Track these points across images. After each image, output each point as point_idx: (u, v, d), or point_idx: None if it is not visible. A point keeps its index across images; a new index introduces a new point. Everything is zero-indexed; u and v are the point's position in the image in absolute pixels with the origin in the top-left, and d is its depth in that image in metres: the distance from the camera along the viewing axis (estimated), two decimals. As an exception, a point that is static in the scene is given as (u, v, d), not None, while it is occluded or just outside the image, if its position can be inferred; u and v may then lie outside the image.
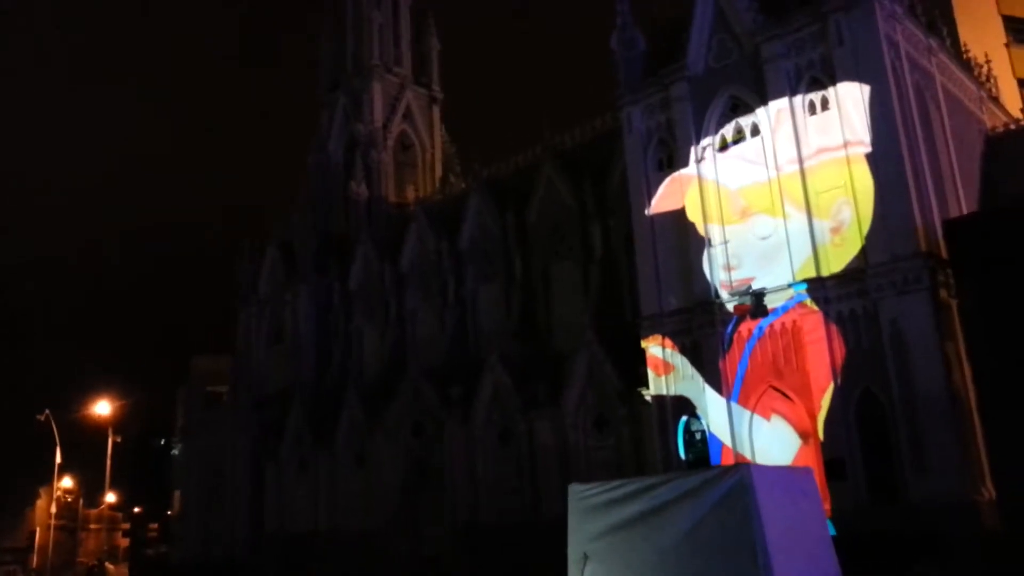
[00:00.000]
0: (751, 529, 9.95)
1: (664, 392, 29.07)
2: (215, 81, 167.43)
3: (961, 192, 29.16)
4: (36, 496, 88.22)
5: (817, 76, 27.42)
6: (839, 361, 25.30)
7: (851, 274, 25.52)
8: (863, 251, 25.49)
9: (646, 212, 30.71)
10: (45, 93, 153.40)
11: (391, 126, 54.04)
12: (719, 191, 28.91)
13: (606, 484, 11.79)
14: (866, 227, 25.47)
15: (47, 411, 55.75)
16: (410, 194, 52.75)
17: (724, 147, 29.31)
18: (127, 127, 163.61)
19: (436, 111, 56.78)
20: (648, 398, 29.83)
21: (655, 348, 29.51)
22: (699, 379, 28.15)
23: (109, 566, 71.15)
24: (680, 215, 29.65)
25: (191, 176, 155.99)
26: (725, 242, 28.36)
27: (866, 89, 26.10)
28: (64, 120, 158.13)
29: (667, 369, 29.08)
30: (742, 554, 9.92)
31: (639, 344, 29.96)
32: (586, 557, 11.22)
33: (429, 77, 57.20)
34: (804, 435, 25.98)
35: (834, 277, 25.80)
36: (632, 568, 10.85)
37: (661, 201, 30.43)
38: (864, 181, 25.69)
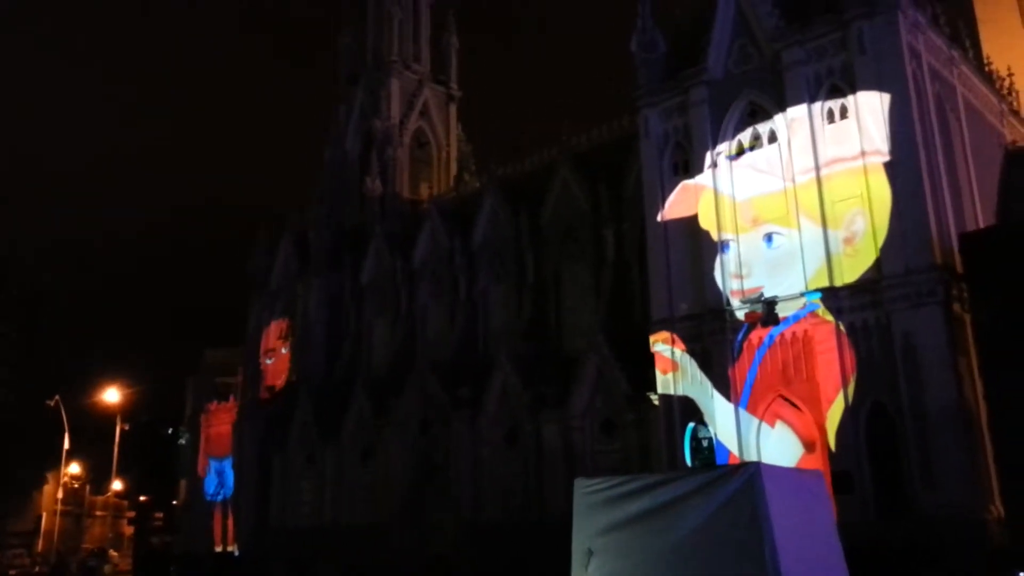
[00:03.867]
0: (759, 528, 9.76)
1: (671, 391, 28.92)
2: (235, 71, 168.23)
3: (979, 205, 28.91)
4: (43, 480, 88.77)
5: (837, 84, 27.24)
6: (849, 372, 25.11)
7: (865, 285, 25.32)
8: (877, 262, 25.29)
9: (659, 217, 30.59)
10: (56, 79, 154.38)
11: (408, 123, 54.08)
12: (733, 199, 28.76)
13: (613, 479, 11.59)
14: (881, 238, 25.28)
15: (57, 396, 56.14)
16: (424, 191, 52.80)
17: (740, 153, 29.17)
18: (139, 116, 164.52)
19: (453, 109, 56.79)
20: (656, 402, 29.71)
21: (663, 346, 29.35)
22: (708, 385, 28.00)
23: (112, 553, 71.55)
24: (693, 222, 29.52)
25: (207, 167, 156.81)
26: (738, 250, 28.21)
27: (886, 98, 25.90)
28: (78, 107, 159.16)
29: (674, 367, 28.93)
30: (750, 553, 9.74)
31: (649, 349, 29.84)
32: (590, 552, 11.03)
33: (447, 75, 57.21)
34: (810, 444, 25.81)
35: (847, 287, 25.62)
36: (637, 564, 10.66)
37: (674, 207, 30.31)
38: (880, 192, 25.49)
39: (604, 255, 37.32)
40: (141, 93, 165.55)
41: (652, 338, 29.71)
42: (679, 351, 28.93)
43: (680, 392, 28.73)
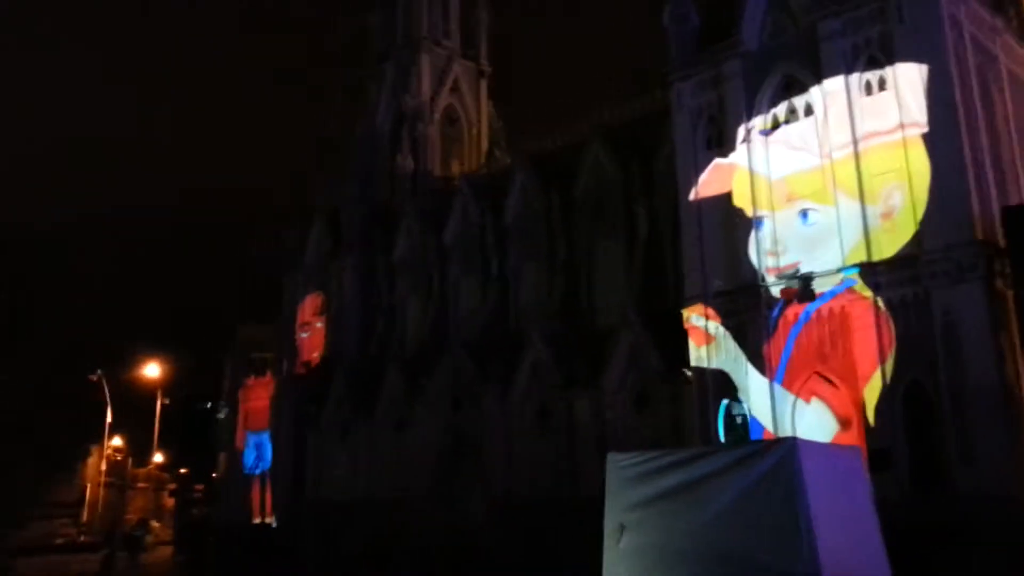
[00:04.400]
0: (795, 504, 9.57)
1: (704, 364, 28.76)
2: (270, 46, 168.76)
3: (1022, 179, 28.19)
4: (87, 453, 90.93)
5: (875, 55, 26.64)
6: (887, 349, 24.77)
7: (904, 260, 24.89)
8: (917, 237, 24.83)
9: (692, 195, 30.28)
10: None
11: (438, 99, 53.92)
12: (767, 177, 28.36)
13: (646, 454, 11.45)
14: (920, 212, 24.79)
15: (99, 371, 57.43)
16: (455, 168, 52.72)
17: (776, 127, 28.71)
18: (176, 90, 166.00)
19: (483, 85, 56.49)
20: (690, 376, 29.55)
21: (698, 318, 29.16)
22: (742, 361, 27.82)
23: (154, 523, 73.29)
24: (726, 199, 29.18)
25: (243, 145, 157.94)
26: (773, 227, 27.85)
27: (925, 69, 25.28)
28: (116, 86, 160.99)
29: (709, 340, 28.76)
30: (785, 531, 9.57)
31: (681, 326, 29.68)
32: (623, 527, 10.90)
33: (477, 51, 56.86)
34: (846, 422, 25.57)
35: (885, 263, 25.21)
36: (670, 540, 10.53)
37: (707, 185, 29.96)
38: (920, 165, 24.97)
39: (636, 231, 37.07)
40: (181, 70, 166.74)
41: (686, 311, 29.53)
42: (714, 323, 28.71)
43: (714, 366, 28.56)
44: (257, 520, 50.80)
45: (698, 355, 29.10)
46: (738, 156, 29.11)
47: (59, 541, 61.87)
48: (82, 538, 67.16)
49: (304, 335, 53.14)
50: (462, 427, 39.53)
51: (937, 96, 25.03)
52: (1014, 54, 30.20)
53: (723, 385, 28.28)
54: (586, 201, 39.99)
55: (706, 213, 29.81)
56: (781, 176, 28.08)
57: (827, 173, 26.90)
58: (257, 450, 53.45)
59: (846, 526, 10.33)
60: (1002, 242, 24.58)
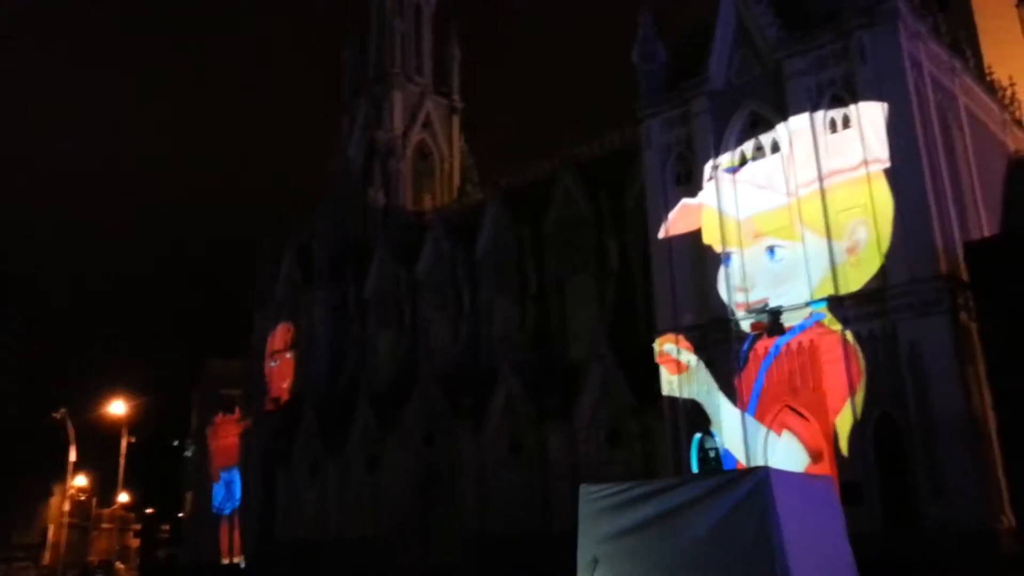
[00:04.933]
0: (768, 534, 9.55)
1: (676, 393, 28.82)
2: (238, 78, 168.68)
3: (983, 215, 28.84)
4: (50, 493, 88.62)
5: (839, 94, 27.23)
6: (856, 382, 25.01)
7: (870, 294, 25.24)
8: (882, 271, 25.22)
9: (662, 232, 30.58)
10: (57, 79, 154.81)
11: (410, 134, 54.20)
12: (735, 215, 28.70)
13: (618, 485, 11.37)
14: (885, 246, 25.20)
15: (63, 409, 56.16)
16: (427, 202, 52.88)
17: (743, 163, 29.15)
18: (136, 120, 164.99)
19: (455, 120, 56.94)
20: (664, 407, 29.49)
21: (670, 347, 29.28)
22: (715, 392, 27.93)
23: (119, 565, 71.42)
24: (696, 235, 29.51)
25: (211, 178, 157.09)
26: (741, 264, 28.15)
27: (888, 108, 25.88)
28: (77, 110, 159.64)
29: (681, 368, 28.86)
30: (759, 559, 9.53)
31: (653, 360, 29.77)
32: (596, 560, 10.80)
33: (449, 86, 57.38)
34: (817, 454, 25.70)
35: (852, 296, 25.54)
36: (643, 572, 10.44)
37: (677, 223, 30.30)
38: (884, 201, 25.44)
39: (607, 265, 37.32)
40: (145, 103, 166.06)
41: (659, 340, 29.61)
42: (686, 352, 28.79)
43: (687, 395, 28.62)
44: (226, 561, 49.78)
45: (671, 384, 29.18)
46: (706, 195, 29.47)
47: (19, 585, 60.00)
48: (43, 581, 65.16)
49: (273, 364, 52.56)
50: (435, 462, 39.15)
51: (899, 133, 25.60)
52: (972, 93, 31.06)
53: (695, 419, 28.33)
54: (557, 235, 40.22)
55: (676, 249, 30.09)
56: (748, 215, 28.48)
57: (793, 210, 27.32)
58: (227, 488, 52.51)
59: (819, 554, 10.34)
60: (966, 276, 25.05)
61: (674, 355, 29.12)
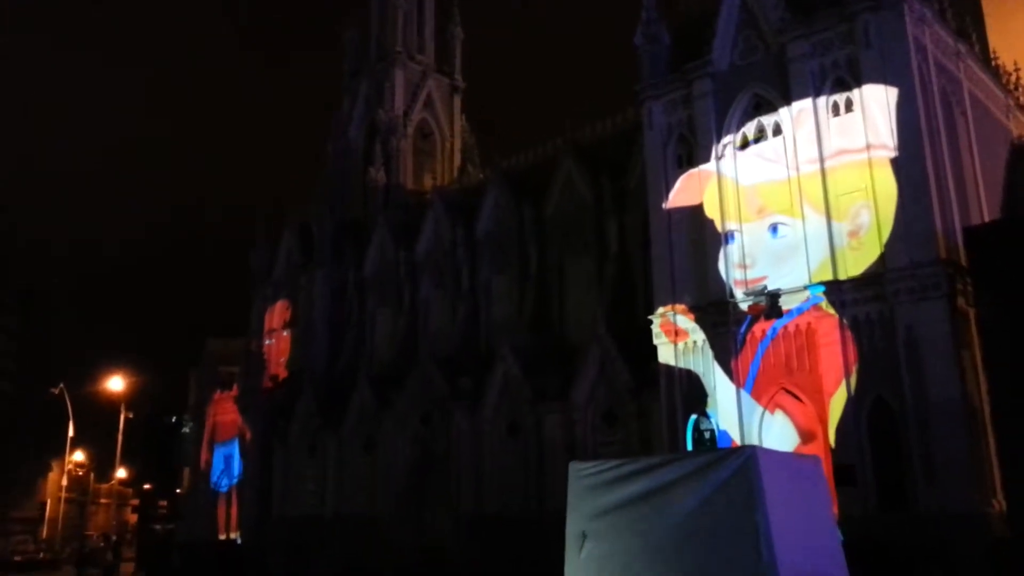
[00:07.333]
0: (754, 511, 9.63)
1: (674, 363, 28.89)
2: (237, 69, 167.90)
3: (984, 200, 28.79)
4: (48, 468, 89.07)
5: (842, 77, 27.12)
6: (852, 366, 25.07)
7: (868, 278, 25.25)
8: (882, 256, 25.20)
9: (663, 207, 30.53)
10: (59, 78, 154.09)
11: (412, 114, 53.98)
12: (737, 188, 28.69)
13: (608, 462, 11.42)
14: (886, 232, 25.19)
15: (62, 385, 56.35)
16: (428, 182, 52.73)
17: (745, 145, 29.09)
18: (141, 114, 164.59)
19: (457, 100, 56.68)
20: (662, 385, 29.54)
21: (670, 315, 29.26)
22: (711, 376, 28.01)
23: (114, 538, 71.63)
24: (697, 211, 29.46)
25: (212, 160, 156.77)
26: (742, 240, 28.14)
27: (891, 92, 25.77)
28: (81, 106, 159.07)
29: (679, 337, 28.91)
30: (745, 536, 9.62)
31: (651, 342, 29.82)
32: (584, 536, 10.91)
33: (451, 66, 57.07)
34: (810, 436, 25.80)
35: (851, 280, 25.55)
36: (632, 548, 10.54)
37: (678, 196, 30.25)
38: (885, 185, 25.40)
39: (607, 248, 37.31)
40: (148, 91, 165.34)
41: (659, 310, 29.58)
42: (684, 318, 28.79)
43: (684, 366, 28.67)
44: (223, 536, 50.01)
45: (668, 355, 29.24)
46: (710, 166, 29.40)
47: (17, 558, 60.40)
48: (41, 555, 65.59)
49: (269, 342, 52.59)
50: (432, 443, 39.27)
51: (903, 118, 25.51)
52: (976, 78, 30.93)
53: (691, 399, 28.43)
54: (558, 217, 40.18)
55: (676, 227, 30.05)
56: (752, 184, 28.38)
57: (795, 187, 27.26)
58: (225, 463, 52.71)
59: (805, 531, 10.43)
60: (964, 261, 25.06)
61: (672, 322, 29.11)
